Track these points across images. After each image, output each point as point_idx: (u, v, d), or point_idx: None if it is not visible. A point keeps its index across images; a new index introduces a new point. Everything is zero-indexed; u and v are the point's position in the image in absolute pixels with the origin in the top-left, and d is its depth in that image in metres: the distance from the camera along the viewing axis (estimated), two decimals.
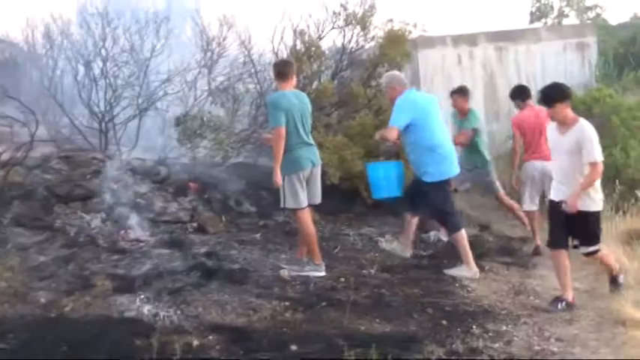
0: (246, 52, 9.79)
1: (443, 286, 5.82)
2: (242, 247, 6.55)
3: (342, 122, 9.03)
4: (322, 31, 10.00)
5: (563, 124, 5.25)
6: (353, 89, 9.34)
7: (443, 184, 6.22)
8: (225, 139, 7.79)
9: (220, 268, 5.69)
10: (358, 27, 9.95)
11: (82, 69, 8.39)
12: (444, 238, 7.15)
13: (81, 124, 8.41)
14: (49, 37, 8.82)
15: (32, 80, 9.20)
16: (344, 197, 8.16)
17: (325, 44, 10.09)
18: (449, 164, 6.20)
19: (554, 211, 5.41)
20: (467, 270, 6.10)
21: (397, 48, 9.47)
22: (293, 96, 5.84)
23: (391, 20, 10.07)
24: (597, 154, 5.13)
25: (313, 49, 9.39)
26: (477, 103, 11.86)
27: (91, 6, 8.81)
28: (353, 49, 10.09)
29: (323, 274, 5.83)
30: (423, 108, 6.17)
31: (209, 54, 9.43)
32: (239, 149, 8.87)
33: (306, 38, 9.59)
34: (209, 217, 7.11)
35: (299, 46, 9.35)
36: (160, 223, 6.96)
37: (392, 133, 6.09)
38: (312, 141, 5.94)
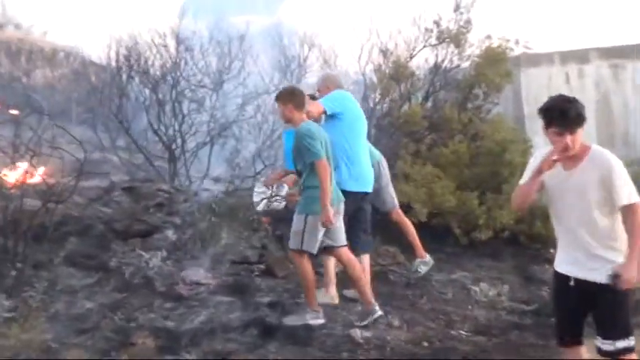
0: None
1: (551, 354, 4.73)
2: None
3: (432, 150, 8.09)
4: (413, 50, 9.21)
5: (572, 156, 3.44)
6: (446, 113, 8.42)
7: (357, 197, 5.47)
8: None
9: (282, 324, 4.89)
10: (452, 45, 9.06)
11: (152, 93, 7.91)
12: None
13: (148, 151, 7.90)
14: (124, 59, 8.39)
15: (108, 105, 8.81)
16: (433, 235, 7.18)
17: (416, 63, 9.29)
18: (362, 181, 5.55)
19: (561, 289, 3.60)
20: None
21: (496, 67, 8.48)
22: (319, 127, 5.16)
23: (489, 37, 9.11)
24: (633, 192, 3.37)
25: (401, 69, 8.55)
26: (587, 126, 10.64)
27: (166, 26, 8.31)
28: (447, 69, 9.20)
29: (322, 321, 5.02)
30: (353, 111, 5.59)
31: (288, 75, 8.81)
32: None
33: (394, 57, 8.80)
34: (278, 259, 6.34)
35: (384, 66, 8.54)
36: (225, 263, 6.27)
37: (317, 107, 5.38)
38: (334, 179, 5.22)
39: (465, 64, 9.19)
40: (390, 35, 9.13)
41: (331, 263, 5.56)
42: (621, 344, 3.36)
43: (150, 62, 8.06)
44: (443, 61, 9.20)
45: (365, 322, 5.00)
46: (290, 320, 4.99)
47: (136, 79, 8.19)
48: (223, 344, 4.52)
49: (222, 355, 4.34)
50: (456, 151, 7.72)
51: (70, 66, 13.34)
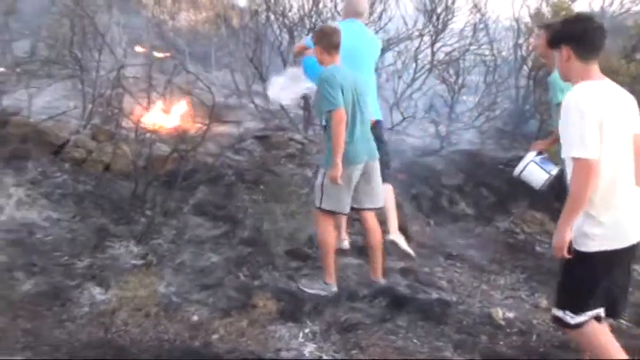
0: (479, 17, 8.38)
1: None
2: (449, 264, 5.25)
3: None
4: None
5: None
6: (612, 63, 7.41)
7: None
8: None
9: (414, 297, 4.45)
10: None
11: (289, 37, 7.57)
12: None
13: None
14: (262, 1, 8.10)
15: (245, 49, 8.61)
16: None
17: (578, 8, 8.31)
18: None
19: None
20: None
21: None
22: (349, 73, 4.40)
23: None
24: (575, 144, 2.83)
25: (563, 13, 7.60)
26: None
27: None
28: (614, 14, 8.15)
29: (330, 293, 4.48)
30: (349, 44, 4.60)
31: (434, 20, 8.13)
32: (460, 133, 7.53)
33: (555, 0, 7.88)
34: (412, 220, 5.88)
35: (545, 9, 7.65)
36: (356, 221, 5.90)
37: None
38: (369, 132, 4.55)
39: (637, 8, 8.12)
40: None
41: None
42: (555, 311, 3.13)
43: (287, 4, 7.69)
44: (611, 4, 8.21)
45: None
46: (302, 285, 4.58)
47: (274, 23, 7.85)
48: (348, 314, 4.16)
49: (346, 326, 3.98)
50: None
51: (213, 9, 13.39)
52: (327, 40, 4.43)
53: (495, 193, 6.62)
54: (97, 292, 4.24)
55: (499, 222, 6.23)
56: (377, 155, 4.59)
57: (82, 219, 5.29)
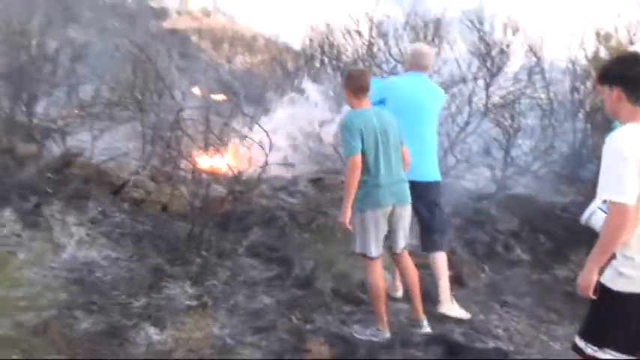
0: (534, 61, 8.33)
1: None
2: (505, 312, 5.14)
3: None
4: (634, 35, 8.12)
5: None
6: None
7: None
8: None
9: (469, 346, 4.36)
10: None
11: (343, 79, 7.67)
12: None
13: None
14: (317, 44, 8.26)
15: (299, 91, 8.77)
16: None
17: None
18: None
19: None
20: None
21: None
22: (373, 116, 4.34)
23: None
24: (613, 187, 2.81)
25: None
26: None
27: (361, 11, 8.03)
28: None
29: (383, 339, 4.41)
30: (398, 102, 4.79)
31: (489, 63, 8.12)
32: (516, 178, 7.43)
33: (613, 43, 7.79)
34: (467, 266, 5.79)
35: (603, 53, 7.56)
36: None
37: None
38: (400, 174, 4.43)
39: None
40: (608, 19, 8.15)
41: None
42: (577, 340, 3.00)
43: (342, 48, 7.82)
44: None
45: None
46: (355, 331, 4.53)
47: (328, 66, 7.98)
48: None
49: None
50: None
51: (268, 52, 13.73)
52: (354, 83, 4.44)
53: (553, 239, 6.47)
54: (153, 332, 4.29)
55: (557, 269, 6.07)
56: (408, 200, 4.48)
57: (140, 259, 5.40)
